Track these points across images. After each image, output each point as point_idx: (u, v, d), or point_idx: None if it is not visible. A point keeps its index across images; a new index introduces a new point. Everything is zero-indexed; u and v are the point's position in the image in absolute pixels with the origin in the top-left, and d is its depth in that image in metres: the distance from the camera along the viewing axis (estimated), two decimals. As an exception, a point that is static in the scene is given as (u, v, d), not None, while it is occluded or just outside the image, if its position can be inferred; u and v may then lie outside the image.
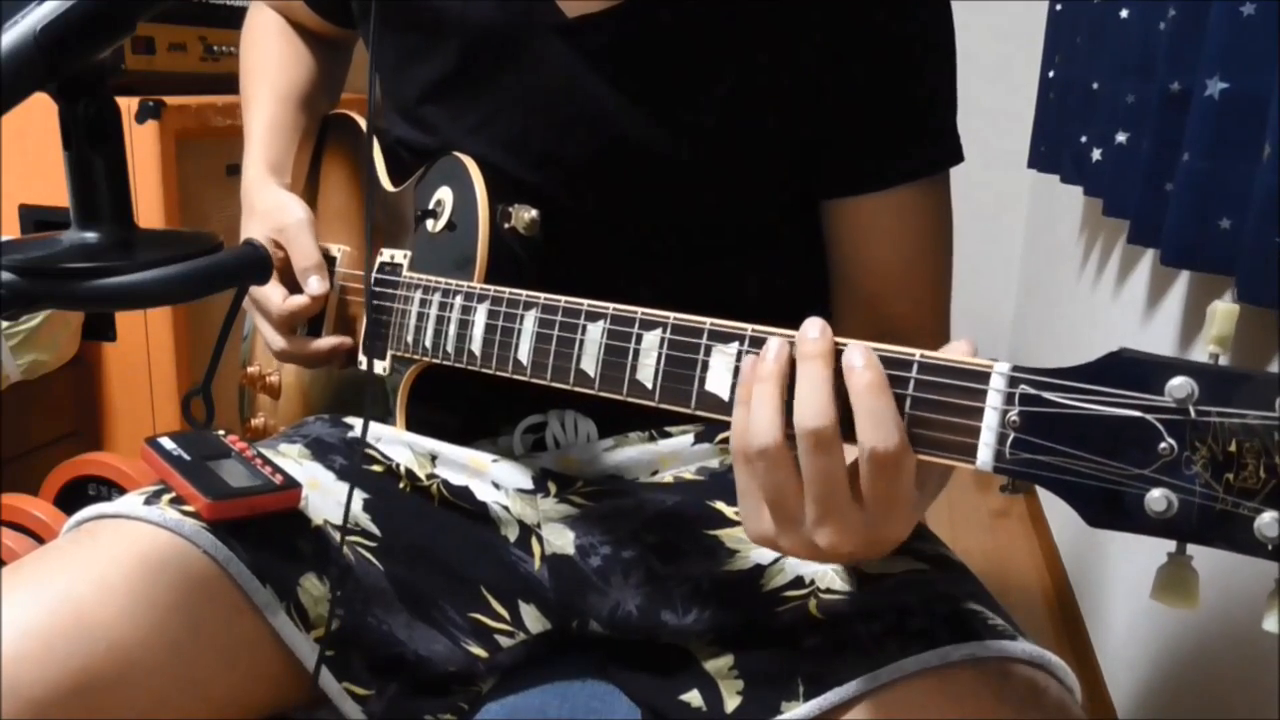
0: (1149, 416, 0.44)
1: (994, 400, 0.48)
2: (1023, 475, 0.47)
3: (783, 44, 0.74)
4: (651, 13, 0.74)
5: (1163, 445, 0.43)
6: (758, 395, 0.53)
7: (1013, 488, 2.53)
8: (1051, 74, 2.13)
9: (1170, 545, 0.45)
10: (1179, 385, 0.43)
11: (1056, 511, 2.18)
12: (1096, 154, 1.56)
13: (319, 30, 1.01)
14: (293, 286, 0.85)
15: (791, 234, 0.82)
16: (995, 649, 0.64)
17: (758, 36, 0.74)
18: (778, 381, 0.52)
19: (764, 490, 0.54)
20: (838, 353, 0.52)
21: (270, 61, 0.99)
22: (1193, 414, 0.43)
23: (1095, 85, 1.64)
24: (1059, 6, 2.13)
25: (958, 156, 0.80)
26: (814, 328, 0.52)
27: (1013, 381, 0.47)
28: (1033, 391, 0.47)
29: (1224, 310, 0.44)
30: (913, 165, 0.78)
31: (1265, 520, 0.41)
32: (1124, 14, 1.45)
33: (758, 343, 0.56)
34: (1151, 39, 1.30)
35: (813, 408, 0.51)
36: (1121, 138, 1.37)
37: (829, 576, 0.71)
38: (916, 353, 0.51)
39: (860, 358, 0.51)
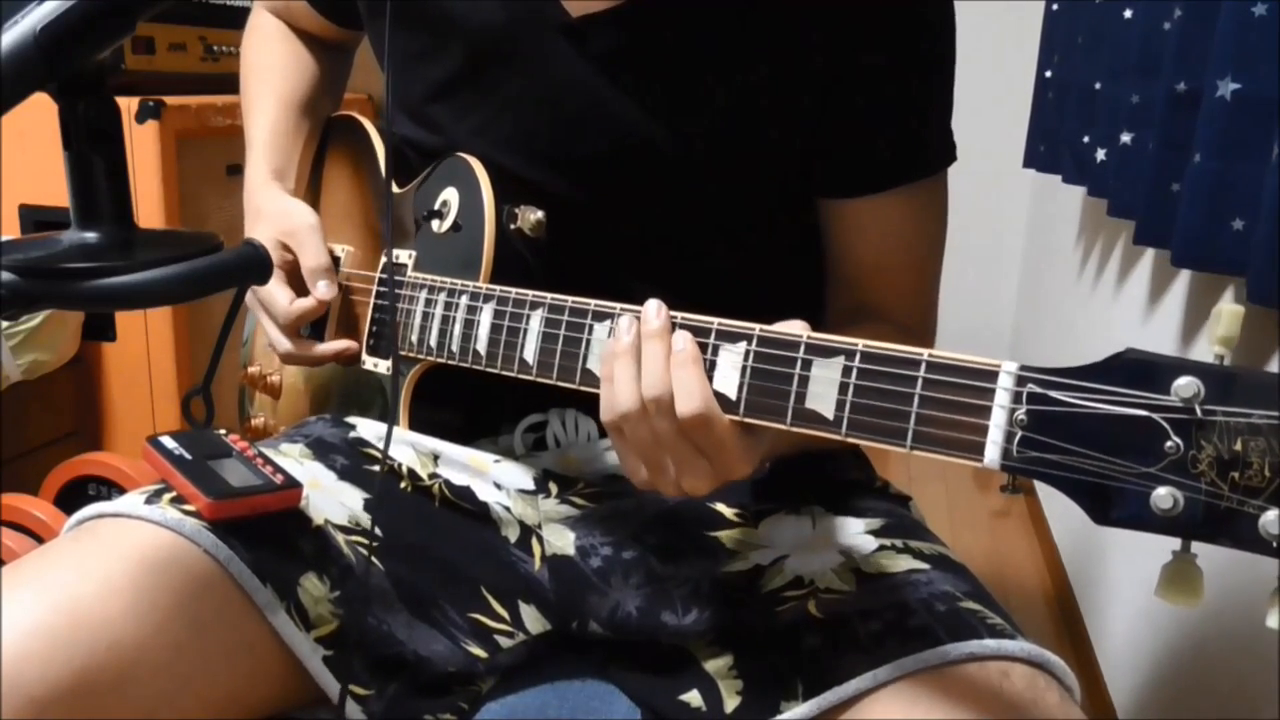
0: (1155, 415, 0.44)
1: (1002, 399, 0.48)
2: (1029, 473, 0.47)
3: (786, 45, 0.74)
4: (655, 13, 0.74)
5: (1169, 444, 0.43)
6: (618, 369, 0.61)
7: (1013, 488, 2.53)
8: (1049, 74, 2.13)
9: (1175, 543, 0.45)
10: (1185, 385, 0.43)
11: (1056, 512, 2.18)
12: (1100, 154, 1.55)
13: (321, 33, 1.01)
14: (300, 289, 0.85)
15: (796, 229, 0.82)
16: (995, 648, 0.64)
17: (761, 37, 0.74)
18: (630, 356, 0.61)
19: (635, 448, 0.62)
20: (829, 350, 0.55)
21: (273, 65, 0.99)
22: (1199, 413, 0.43)
23: (1097, 85, 1.64)
24: (1055, 6, 2.13)
25: (950, 158, 0.80)
26: (653, 312, 0.61)
27: (1020, 380, 0.48)
28: (1040, 390, 0.47)
29: (1230, 311, 0.44)
30: (907, 170, 0.78)
31: (1270, 518, 0.41)
32: (1127, 14, 1.45)
33: (765, 342, 0.57)
34: (1155, 39, 1.30)
35: (652, 378, 0.60)
36: (1126, 138, 1.37)
37: (828, 577, 0.71)
38: (924, 352, 0.51)
39: (680, 339, 0.59)
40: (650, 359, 0.60)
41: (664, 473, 0.62)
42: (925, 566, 0.71)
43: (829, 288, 0.83)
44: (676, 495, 0.63)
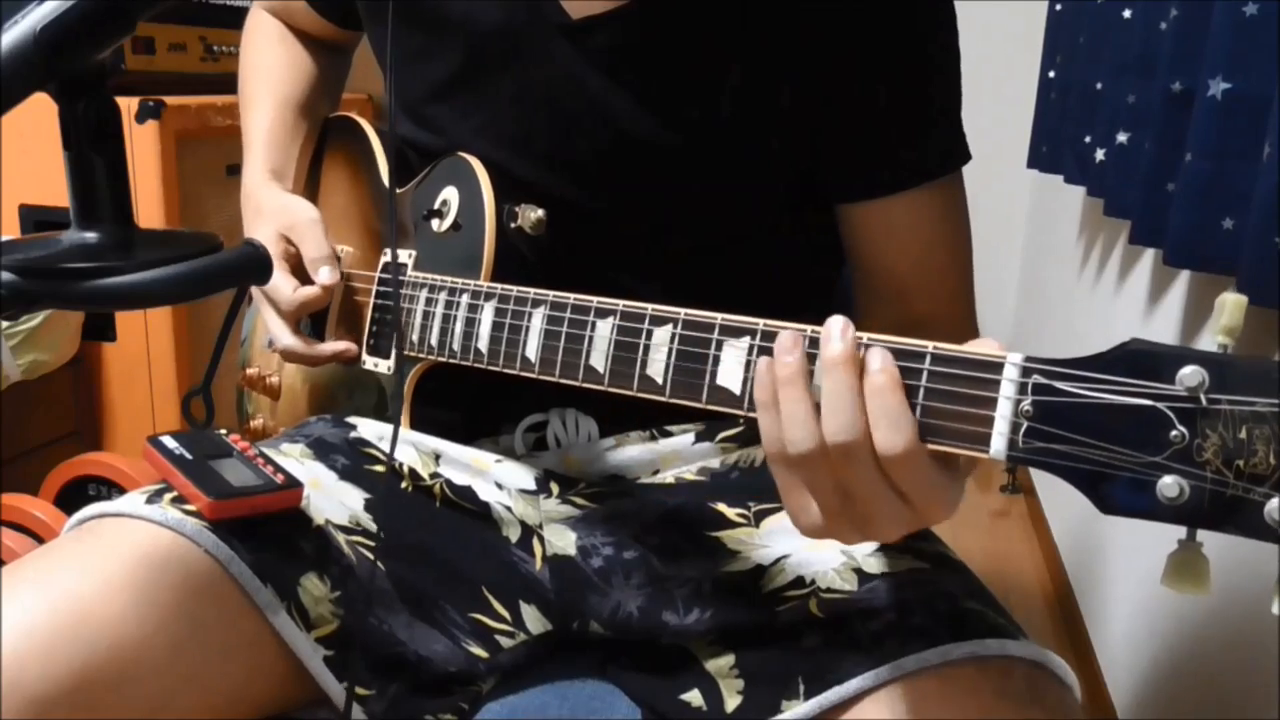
0: (1160, 405, 0.44)
1: (1007, 390, 0.48)
2: (1035, 463, 0.47)
3: (787, 46, 0.73)
4: (656, 14, 0.74)
5: (1174, 433, 0.43)
6: (786, 400, 0.52)
7: (1013, 488, 2.53)
8: (1052, 74, 2.13)
9: (1177, 535, 0.45)
10: (1190, 374, 0.43)
11: (1056, 511, 2.18)
12: (1099, 154, 1.55)
13: (320, 34, 1.01)
14: (304, 281, 0.86)
15: (799, 229, 0.82)
16: (995, 648, 0.64)
17: (762, 38, 0.73)
18: (802, 383, 0.52)
19: (809, 489, 0.54)
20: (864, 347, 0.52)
21: (271, 66, 0.99)
22: (1203, 402, 0.43)
23: (1098, 85, 1.64)
24: (1058, 6, 2.13)
25: (965, 155, 0.80)
26: (837, 331, 0.52)
27: (1025, 371, 0.48)
28: (1045, 381, 0.47)
29: (1234, 301, 0.44)
30: (923, 169, 0.77)
31: (1275, 505, 0.41)
32: (1126, 14, 1.45)
33: (769, 337, 0.56)
34: (1153, 39, 1.30)
35: (841, 420, 0.50)
36: (1123, 138, 1.37)
37: (830, 576, 0.71)
38: (930, 345, 0.51)
39: (876, 360, 0.51)
40: (835, 392, 0.51)
41: (847, 519, 0.53)
42: (925, 566, 0.71)
43: (874, 309, 0.81)
44: (857, 542, 0.56)
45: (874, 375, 0.50)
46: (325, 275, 0.84)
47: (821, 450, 0.51)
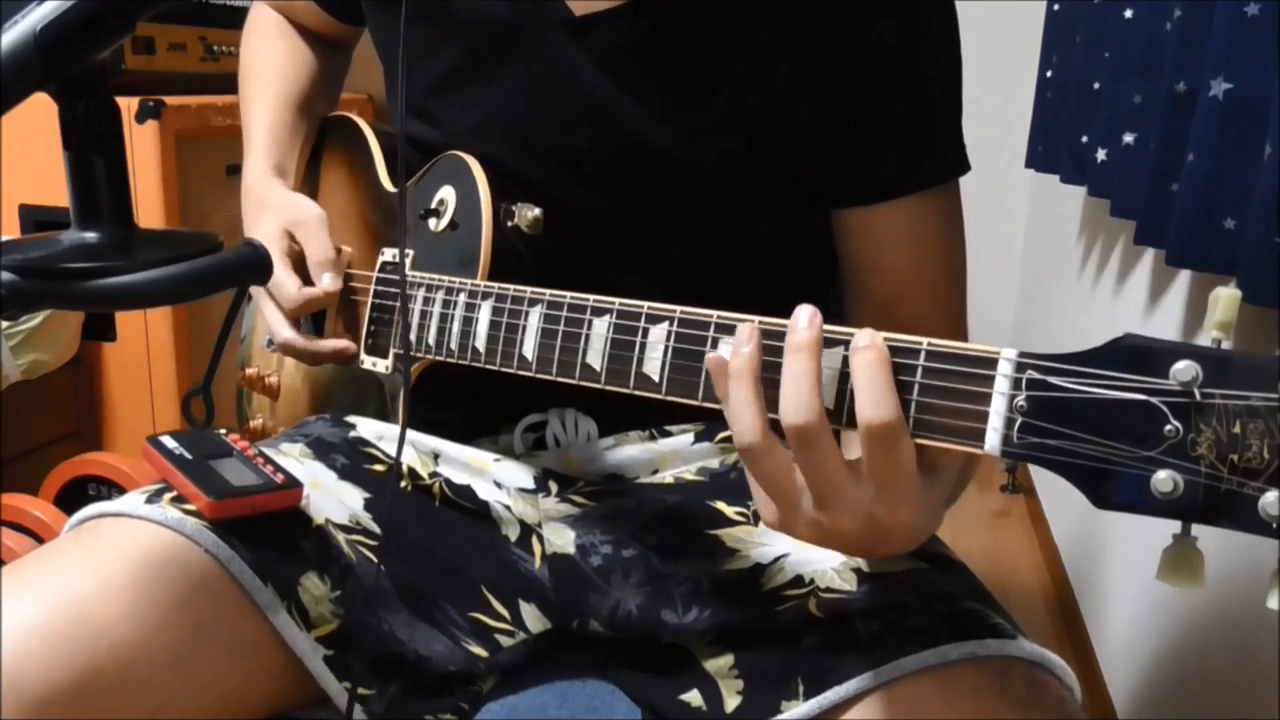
0: (1154, 399, 0.44)
1: (1001, 385, 0.48)
2: (1030, 459, 0.47)
3: (790, 49, 0.73)
4: (659, 12, 0.74)
5: (1168, 427, 0.44)
6: (733, 392, 0.53)
7: (1013, 488, 2.53)
8: (1049, 74, 2.13)
9: (1175, 527, 0.45)
10: (1183, 368, 0.43)
11: (1056, 511, 2.18)
12: (1101, 154, 1.55)
13: (322, 30, 1.01)
14: (307, 278, 0.86)
15: (796, 231, 0.82)
16: (995, 648, 0.64)
17: (765, 39, 0.73)
18: (748, 377, 0.53)
19: (760, 480, 0.54)
20: (831, 341, 0.52)
21: (272, 63, 0.99)
22: (1197, 396, 0.43)
23: (1096, 85, 1.64)
24: (1056, 6, 2.13)
25: (964, 166, 0.80)
26: (804, 319, 0.52)
27: (1020, 367, 0.48)
28: (1039, 376, 0.47)
29: (1227, 296, 0.44)
30: (923, 176, 0.77)
31: (1269, 499, 0.41)
32: (1128, 14, 1.45)
33: (764, 334, 0.56)
34: (1156, 39, 1.30)
35: (795, 403, 0.51)
36: (1129, 138, 1.37)
37: (829, 576, 0.71)
38: (924, 340, 0.51)
39: (865, 337, 0.51)
40: (794, 376, 0.51)
41: (798, 508, 0.53)
42: (925, 566, 0.71)
43: (866, 318, 0.81)
44: (813, 540, 0.55)
45: (862, 350, 0.51)
46: (328, 281, 0.84)
47: (766, 444, 0.52)
